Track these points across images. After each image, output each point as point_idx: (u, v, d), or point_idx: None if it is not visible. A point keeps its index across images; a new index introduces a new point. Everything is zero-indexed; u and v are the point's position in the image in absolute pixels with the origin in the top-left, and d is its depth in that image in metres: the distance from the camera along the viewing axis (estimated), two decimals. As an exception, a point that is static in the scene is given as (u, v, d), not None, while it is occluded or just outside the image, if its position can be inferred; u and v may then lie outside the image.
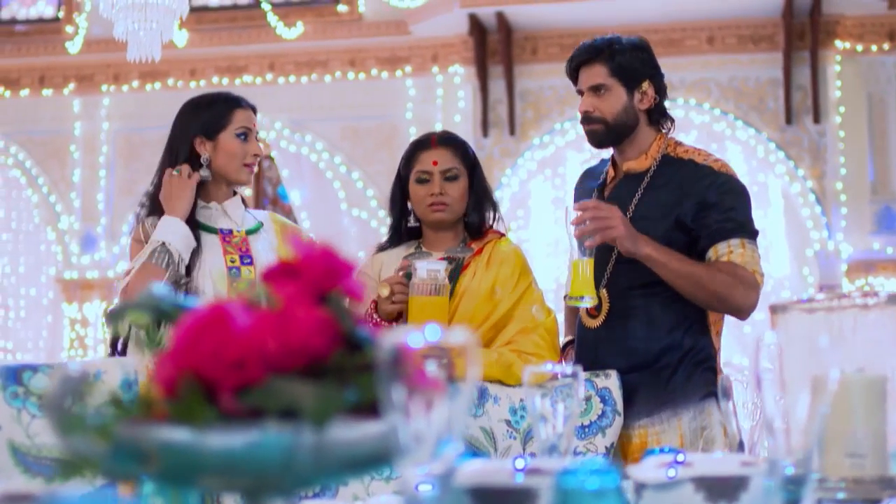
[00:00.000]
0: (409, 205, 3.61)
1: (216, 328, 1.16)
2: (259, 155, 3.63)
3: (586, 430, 3.33)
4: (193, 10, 10.36)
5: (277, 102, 10.02)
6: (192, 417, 1.13)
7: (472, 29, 9.51)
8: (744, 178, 9.15)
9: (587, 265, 3.32)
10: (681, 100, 9.34)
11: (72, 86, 10.37)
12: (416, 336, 1.10)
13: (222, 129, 3.57)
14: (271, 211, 3.92)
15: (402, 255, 3.57)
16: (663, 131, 3.67)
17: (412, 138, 9.69)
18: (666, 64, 9.53)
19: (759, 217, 8.99)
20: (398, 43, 9.91)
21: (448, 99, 9.82)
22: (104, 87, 10.30)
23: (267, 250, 3.63)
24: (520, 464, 1.48)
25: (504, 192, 9.46)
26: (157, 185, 3.59)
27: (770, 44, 9.35)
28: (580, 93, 3.66)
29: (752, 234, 3.52)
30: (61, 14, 10.51)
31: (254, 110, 3.68)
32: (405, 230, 3.63)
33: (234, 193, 3.69)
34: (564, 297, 3.44)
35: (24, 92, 10.48)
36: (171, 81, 10.20)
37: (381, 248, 3.69)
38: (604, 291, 3.55)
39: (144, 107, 9.95)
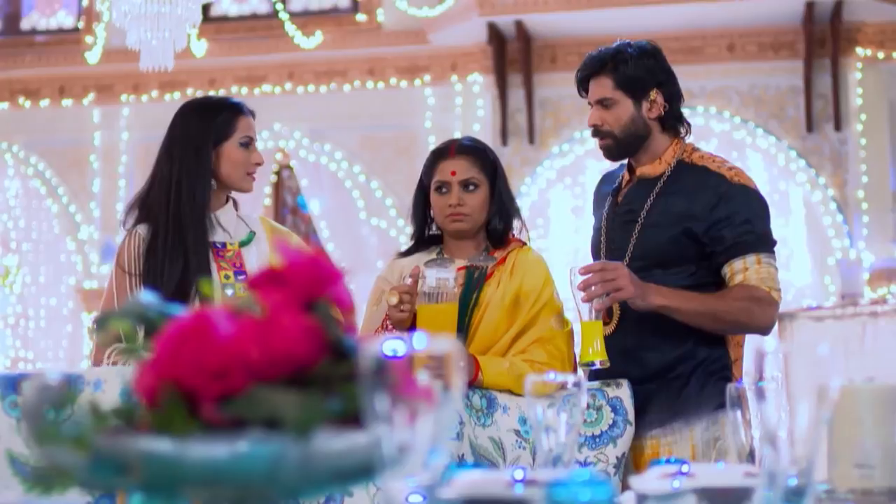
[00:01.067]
0: (431, 212, 3.60)
1: (198, 336, 1.14)
2: (260, 163, 3.60)
3: (597, 440, 3.30)
4: (212, 20, 10.42)
5: (296, 112, 10.02)
6: (172, 427, 1.11)
7: (490, 38, 9.49)
8: (764, 186, 9.21)
9: (597, 328, 3.30)
10: (701, 108, 9.30)
11: (91, 96, 10.38)
12: (400, 344, 1.08)
13: (227, 138, 3.54)
14: (261, 216, 3.87)
15: (422, 260, 3.54)
16: (680, 136, 3.64)
17: (431, 147, 9.71)
18: (686, 72, 9.51)
19: (780, 226, 9.08)
20: (417, 52, 9.89)
21: (467, 108, 9.79)
22: (123, 98, 10.31)
23: (260, 263, 3.60)
24: (518, 474, 1.45)
25: (523, 201, 9.42)
26: (149, 191, 3.55)
27: (791, 51, 9.29)
28: (591, 104, 3.64)
29: (768, 247, 3.48)
30: (81, 24, 10.53)
31: (253, 116, 3.66)
32: (427, 238, 3.61)
33: (227, 200, 3.66)
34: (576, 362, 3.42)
35: (44, 102, 10.49)
36: (190, 91, 10.19)
37: (402, 255, 3.67)
38: None
39: (164, 117, 9.73)
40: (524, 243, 3.65)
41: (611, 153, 3.64)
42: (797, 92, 9.27)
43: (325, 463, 1.13)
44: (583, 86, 3.65)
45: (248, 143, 3.57)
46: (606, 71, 3.57)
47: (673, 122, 3.62)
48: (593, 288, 3.24)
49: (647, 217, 3.53)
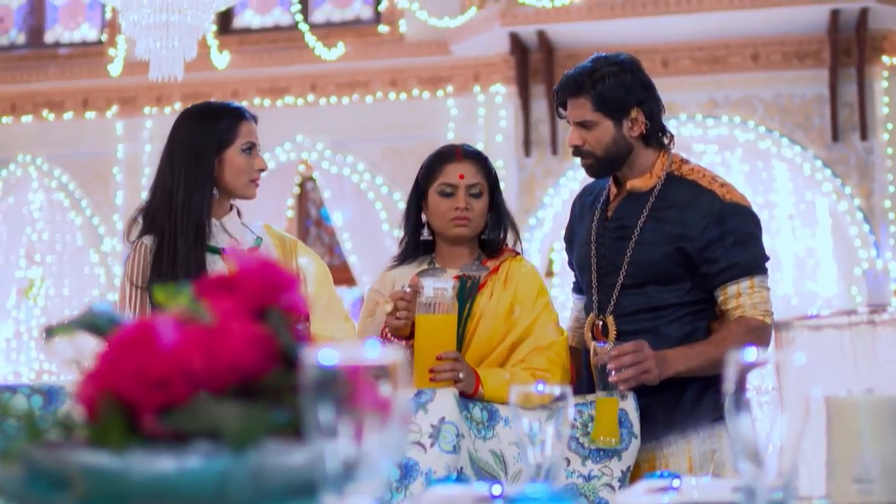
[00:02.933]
0: (424, 217, 3.54)
1: (140, 345, 1.09)
2: (264, 169, 3.55)
3: (601, 453, 3.23)
4: (235, 31, 10.43)
5: (319, 123, 10.00)
6: (109, 440, 1.06)
7: (513, 48, 9.44)
8: (790, 196, 9.14)
9: (614, 406, 3.24)
10: (725, 117, 9.22)
11: (115, 108, 10.39)
12: (346, 354, 1.03)
13: (229, 144, 3.49)
14: (266, 224, 3.81)
15: (414, 271, 3.50)
16: (665, 147, 3.58)
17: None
18: (710, 81, 9.47)
19: (806, 236, 9.02)
20: (439, 63, 9.85)
21: (490, 118, 9.74)
22: (147, 110, 10.31)
23: None
24: (496, 489, 1.40)
25: (547, 211, 9.37)
26: (154, 202, 3.51)
27: (815, 60, 9.20)
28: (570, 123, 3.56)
29: (760, 269, 3.44)
30: (104, 37, 10.54)
31: (255, 121, 3.60)
32: (417, 245, 3.56)
33: (231, 208, 3.61)
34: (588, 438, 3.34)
35: (68, 115, 10.51)
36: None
37: (394, 265, 3.61)
38: (610, 318, 3.47)
39: (187, 129, 9.91)
40: (517, 253, 3.61)
41: (594, 172, 3.59)
42: (823, 101, 9.17)
43: (280, 478, 1.08)
44: (562, 105, 3.58)
45: (250, 149, 3.51)
46: (584, 92, 3.48)
47: (657, 135, 3.55)
48: (625, 371, 3.19)
49: (641, 234, 3.48)
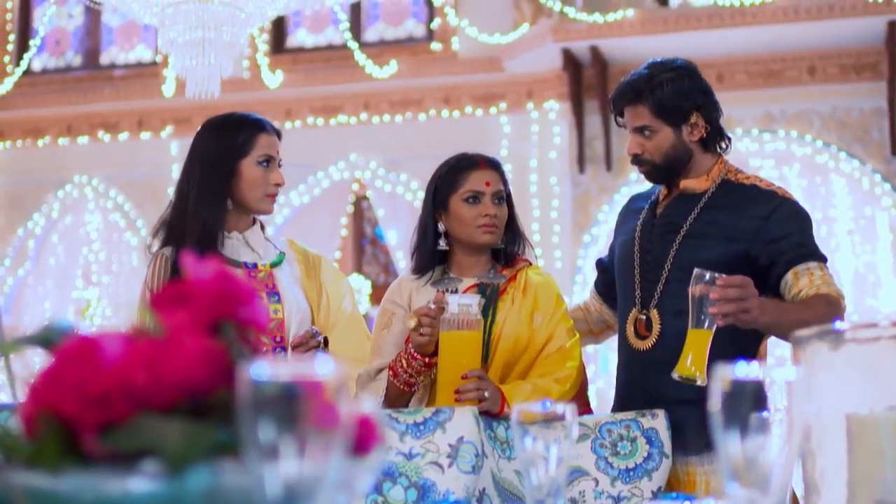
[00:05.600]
0: (441, 227, 3.46)
1: (82, 360, 1.04)
2: (280, 184, 3.48)
3: (631, 473, 3.14)
4: (288, 50, 10.45)
5: (372, 142, 9.98)
6: (43, 459, 1.01)
7: (566, 64, 9.37)
8: (849, 211, 8.98)
9: (706, 339, 2.99)
10: (782, 132, 9.10)
11: (169, 129, 10.44)
12: (287, 368, 0.97)
13: (245, 156, 3.43)
14: (289, 240, 3.75)
15: (428, 281, 3.45)
16: (721, 153, 3.50)
17: (508, 175, 9.58)
18: (766, 96, 9.32)
19: (866, 252, 8.86)
20: (492, 80, 9.80)
21: (543, 135, 9.67)
22: (201, 130, 10.34)
23: (291, 284, 3.49)
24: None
25: (601, 228, 9.29)
26: (173, 212, 3.47)
27: (873, 72, 9.05)
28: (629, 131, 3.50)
29: (824, 258, 3.35)
30: (158, 58, 10.59)
31: (279, 135, 3.54)
32: (434, 254, 3.48)
33: (254, 221, 3.56)
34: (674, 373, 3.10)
35: (123, 136, 10.57)
36: (266, 123, 10.20)
37: (410, 275, 3.54)
38: (654, 312, 3.38)
39: (241, 148, 9.93)
40: (530, 262, 3.55)
41: (652, 178, 3.52)
42: (881, 114, 9.02)
43: (227, 500, 1.03)
44: (619, 114, 3.51)
45: (267, 162, 3.45)
46: (642, 99, 3.41)
47: (715, 140, 3.48)
48: (728, 306, 2.97)
49: (691, 228, 3.40)
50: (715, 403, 1.17)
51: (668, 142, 3.41)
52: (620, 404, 3.49)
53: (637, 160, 3.47)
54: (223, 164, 3.40)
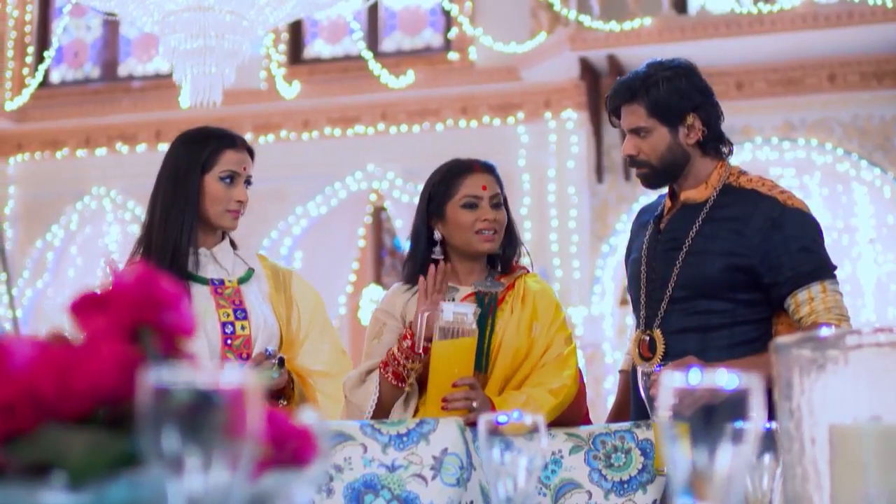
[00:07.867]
0: (438, 234, 3.39)
1: (-13, 367, 0.99)
2: (244, 202, 3.39)
3: (625, 485, 3.06)
4: (305, 61, 10.43)
5: (390, 152, 9.95)
6: (-58, 473, 0.96)
7: (583, 73, 9.31)
8: (870, 220, 8.88)
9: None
10: (802, 140, 9.02)
11: (187, 140, 10.43)
12: (193, 374, 0.91)
13: (207, 171, 3.36)
14: (260, 254, 3.70)
15: None
16: (723, 158, 3.42)
17: (525, 186, 9.51)
18: (786, 103, 9.25)
19: (889, 261, 8.74)
20: (509, 89, 9.75)
21: (561, 145, 9.62)
22: (219, 141, 10.33)
23: (259, 300, 3.43)
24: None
25: (620, 238, 9.22)
26: (143, 228, 3.42)
27: (894, 80, 8.96)
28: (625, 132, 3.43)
29: (830, 273, 3.26)
30: (176, 69, 10.59)
31: (250, 153, 3.47)
32: (427, 263, 3.40)
33: (223, 237, 3.51)
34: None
35: (141, 147, 10.57)
36: (283, 133, 10.19)
37: (403, 284, 3.47)
38: (657, 332, 3.32)
39: (258, 159, 9.84)
40: (527, 270, 3.47)
41: (649, 182, 3.43)
42: (902, 122, 8.94)
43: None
44: (615, 113, 3.44)
45: (230, 178, 3.37)
46: (638, 98, 3.34)
47: (715, 144, 3.39)
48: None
49: (693, 244, 3.32)
50: (662, 412, 1.12)
51: (663, 143, 3.33)
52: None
53: (633, 162, 3.40)
54: (189, 179, 3.35)
